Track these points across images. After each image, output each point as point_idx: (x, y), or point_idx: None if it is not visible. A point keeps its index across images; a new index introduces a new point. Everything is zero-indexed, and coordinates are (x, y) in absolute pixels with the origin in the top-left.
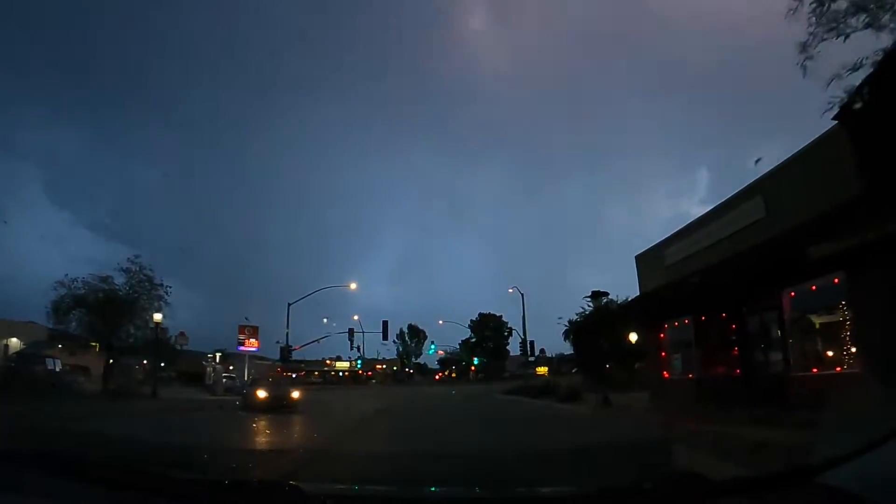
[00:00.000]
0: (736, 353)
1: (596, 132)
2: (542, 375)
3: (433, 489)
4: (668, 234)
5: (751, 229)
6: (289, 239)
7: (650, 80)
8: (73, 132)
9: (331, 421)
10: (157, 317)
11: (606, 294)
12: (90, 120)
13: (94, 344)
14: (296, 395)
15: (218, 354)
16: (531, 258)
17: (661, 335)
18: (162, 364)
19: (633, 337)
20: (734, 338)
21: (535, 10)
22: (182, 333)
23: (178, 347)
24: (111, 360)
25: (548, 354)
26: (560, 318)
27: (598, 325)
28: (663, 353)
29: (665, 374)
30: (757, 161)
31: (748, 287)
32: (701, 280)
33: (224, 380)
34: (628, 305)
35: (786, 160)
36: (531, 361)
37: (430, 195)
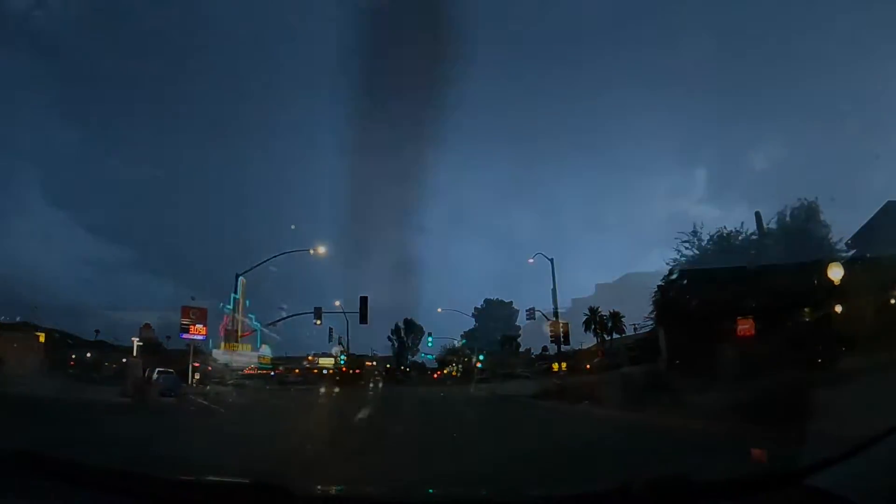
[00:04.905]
0: None
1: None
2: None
3: (430, 490)
4: None
5: None
6: (286, 235)
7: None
8: None
9: None
10: None
11: None
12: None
13: None
14: None
15: (138, 344)
16: (527, 259)
17: None
18: None
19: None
20: None
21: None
22: (147, 325)
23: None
24: None
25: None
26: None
27: None
28: None
29: None
30: None
31: None
32: None
33: (157, 376)
34: None
35: None
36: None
37: (428, 189)
